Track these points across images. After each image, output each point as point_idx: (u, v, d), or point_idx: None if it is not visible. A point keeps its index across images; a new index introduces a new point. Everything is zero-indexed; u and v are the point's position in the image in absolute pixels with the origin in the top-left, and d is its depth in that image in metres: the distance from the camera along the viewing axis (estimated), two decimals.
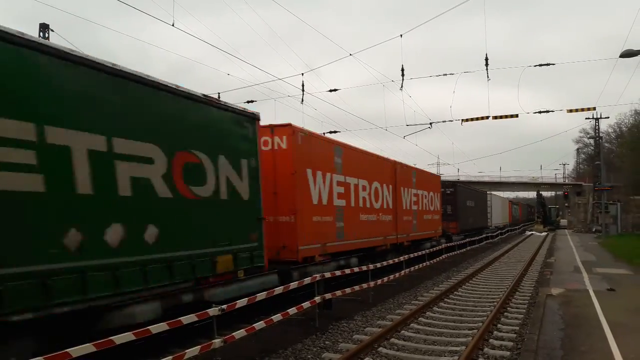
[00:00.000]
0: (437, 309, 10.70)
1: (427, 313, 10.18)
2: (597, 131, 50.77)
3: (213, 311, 6.36)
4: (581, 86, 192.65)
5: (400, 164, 17.75)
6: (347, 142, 12.70)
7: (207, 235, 7.50)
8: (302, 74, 23.50)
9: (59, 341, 4.97)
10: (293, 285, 8.47)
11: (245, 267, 8.39)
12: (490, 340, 8.12)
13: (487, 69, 17.25)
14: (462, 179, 64.91)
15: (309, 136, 11.02)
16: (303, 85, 18.13)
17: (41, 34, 24.67)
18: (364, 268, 11.72)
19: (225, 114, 8.15)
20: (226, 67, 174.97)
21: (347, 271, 10.91)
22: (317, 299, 9.10)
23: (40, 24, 24.80)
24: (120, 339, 5.02)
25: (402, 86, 17.37)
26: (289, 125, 10.33)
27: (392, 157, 17.19)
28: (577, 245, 30.19)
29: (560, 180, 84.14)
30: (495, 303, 10.81)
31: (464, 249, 23.76)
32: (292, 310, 8.13)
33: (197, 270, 7.25)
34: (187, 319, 6.00)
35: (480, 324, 8.95)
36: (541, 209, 59.94)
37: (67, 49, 5.60)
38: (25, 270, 4.89)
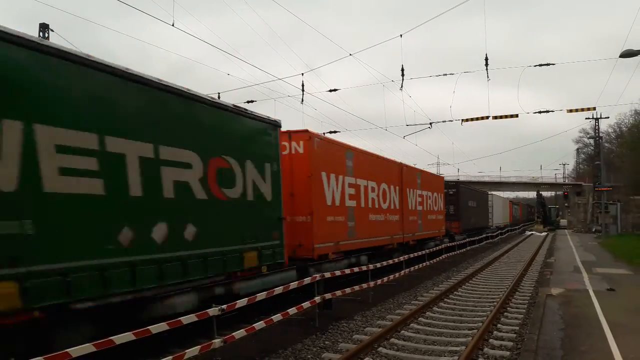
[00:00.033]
0: (437, 309, 10.70)
1: (427, 313, 10.18)
2: (597, 131, 50.79)
3: (213, 311, 6.37)
4: (581, 86, 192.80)
5: (406, 165, 18.28)
6: (347, 142, 12.78)
7: (236, 233, 8.17)
8: (302, 74, 23.53)
9: (111, 328, 5.50)
10: (293, 285, 8.51)
11: (268, 263, 9.05)
12: (490, 340, 8.12)
13: (487, 69, 17.21)
14: (462, 179, 64.87)
15: (324, 141, 11.72)
16: (303, 85, 18.13)
17: (41, 34, 24.65)
18: (364, 268, 11.73)
19: (252, 122, 8.85)
20: (226, 67, 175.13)
21: (347, 271, 10.92)
22: (317, 299, 9.11)
23: (40, 24, 24.73)
24: (120, 339, 5.04)
25: (402, 86, 17.36)
26: (306, 131, 11.00)
27: (392, 157, 17.27)
28: (577, 245, 30.18)
29: (560, 180, 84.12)
30: (495, 303, 10.81)
31: (464, 249, 23.74)
32: (292, 310, 8.14)
33: (228, 265, 7.91)
34: (187, 319, 6.01)
35: (480, 324, 8.95)
36: (541, 209, 59.95)
37: (124, 68, 6.24)
38: (87, 263, 5.51)
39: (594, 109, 32.41)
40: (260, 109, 11.41)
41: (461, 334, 8.44)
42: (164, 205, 6.65)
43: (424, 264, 16.26)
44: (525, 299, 11.77)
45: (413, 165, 20.17)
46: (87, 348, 4.70)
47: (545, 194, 75.97)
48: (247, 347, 7.48)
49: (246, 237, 8.38)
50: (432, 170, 53.45)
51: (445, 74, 19.50)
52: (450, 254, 20.33)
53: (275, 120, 9.53)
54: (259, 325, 7.30)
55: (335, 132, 25.14)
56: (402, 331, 8.65)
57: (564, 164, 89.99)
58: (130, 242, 6.04)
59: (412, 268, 14.86)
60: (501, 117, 20.78)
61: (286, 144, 10.74)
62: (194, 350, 5.88)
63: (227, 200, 7.94)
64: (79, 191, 5.46)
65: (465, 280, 14.59)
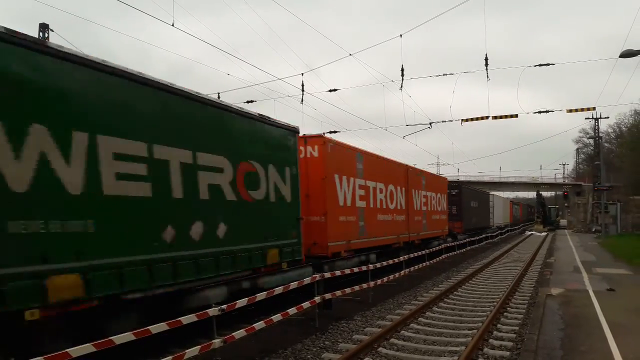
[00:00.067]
0: (436, 309, 10.72)
1: (427, 313, 10.20)
2: (596, 131, 50.86)
3: (213, 311, 6.39)
4: (581, 86, 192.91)
5: (412, 167, 19.01)
6: (347, 142, 13.04)
7: (260, 232, 8.88)
8: (302, 74, 23.46)
9: (154, 317, 6.04)
10: (293, 285, 8.57)
11: (287, 260, 9.75)
12: (490, 340, 8.14)
13: (487, 69, 17.22)
14: (462, 179, 64.91)
15: (337, 145, 12.36)
16: (303, 85, 18.16)
17: (41, 34, 24.67)
18: (364, 268, 11.78)
19: (274, 129, 9.57)
20: (226, 67, 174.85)
21: (347, 271, 10.97)
22: (317, 299, 9.14)
23: (40, 24, 24.79)
24: (120, 339, 5.05)
25: (402, 86, 17.39)
26: (321, 136, 11.83)
27: (391, 157, 17.35)
28: (577, 245, 30.22)
29: (560, 180, 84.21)
30: (495, 303, 10.83)
31: (464, 249, 23.75)
32: (292, 310, 8.19)
33: (253, 262, 8.62)
34: (187, 319, 6.02)
35: (480, 324, 8.97)
36: (541, 209, 59.99)
37: (168, 82, 6.97)
38: (137, 258, 6.16)
39: (594, 109, 32.47)
40: (260, 109, 11.59)
41: (461, 334, 8.47)
42: (200, 206, 7.35)
43: (424, 264, 16.27)
44: (525, 299, 11.80)
45: (414, 165, 20.35)
46: (87, 348, 4.73)
47: (545, 194, 76.09)
48: (247, 347, 7.51)
49: (269, 235, 9.09)
50: (432, 170, 53.58)
51: (445, 74, 19.55)
52: (450, 254, 20.37)
53: (294, 127, 10.28)
54: (259, 325, 7.34)
55: (335, 132, 25.13)
56: (402, 331, 8.68)
57: (564, 164, 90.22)
58: (173, 240, 6.73)
59: (412, 268, 14.92)
60: (501, 117, 20.81)
61: (302, 148, 11.26)
62: (194, 350, 5.92)
63: (252, 202, 8.67)
64: (131, 194, 6.14)
65: (465, 281, 14.62)
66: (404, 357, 7.35)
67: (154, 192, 6.43)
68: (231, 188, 8.06)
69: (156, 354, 6.46)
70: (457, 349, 7.46)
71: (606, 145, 57.84)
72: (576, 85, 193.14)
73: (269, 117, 9.44)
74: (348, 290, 10.59)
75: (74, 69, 5.52)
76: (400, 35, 16.65)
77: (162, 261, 6.50)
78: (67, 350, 4.55)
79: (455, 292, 12.80)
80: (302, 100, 18.56)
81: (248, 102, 20.18)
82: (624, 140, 52.88)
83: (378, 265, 12.79)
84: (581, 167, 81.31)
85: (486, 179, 77.33)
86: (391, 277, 13.16)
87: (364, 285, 11.30)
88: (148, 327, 5.49)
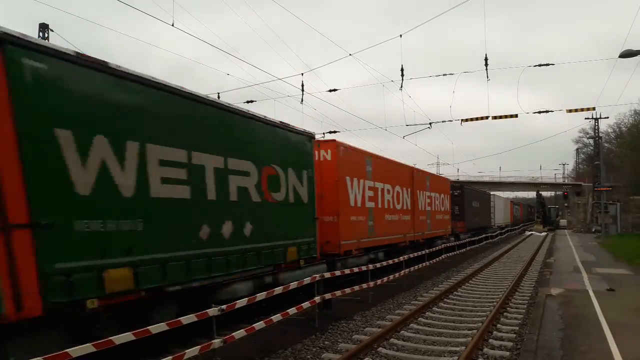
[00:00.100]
0: (436, 309, 10.75)
1: (427, 313, 10.23)
2: (596, 131, 50.95)
3: (213, 311, 6.40)
4: (581, 86, 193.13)
5: (417, 169, 19.80)
6: (347, 142, 13.45)
7: (281, 230, 9.56)
8: (302, 74, 23.48)
9: (191, 308, 6.59)
10: (293, 285, 8.59)
11: (304, 257, 10.52)
12: (490, 340, 8.19)
13: (486, 69, 17.30)
14: (461, 179, 65.05)
15: (348, 149, 13.13)
16: (303, 85, 18.23)
17: (41, 34, 24.68)
18: (364, 268, 11.83)
19: (293, 135, 10.33)
20: (226, 66, 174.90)
21: (347, 271, 10.99)
22: (317, 299, 9.17)
23: (40, 24, 24.86)
24: (120, 339, 5.07)
25: (401, 86, 17.45)
26: (334, 140, 12.58)
27: (391, 157, 17.43)
28: (577, 245, 30.31)
29: (560, 180, 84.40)
30: (495, 303, 10.87)
31: (464, 249, 23.76)
32: (291, 311, 8.25)
33: (275, 258, 9.35)
34: (187, 319, 6.04)
35: (480, 324, 9.00)
36: (541, 209, 60.03)
37: (204, 95, 7.79)
38: (178, 254, 6.82)
39: (594, 109, 32.51)
40: (259, 109, 11.75)
41: (461, 334, 8.50)
42: (230, 206, 8.05)
43: (424, 264, 16.28)
44: (525, 299, 11.84)
45: (414, 165, 20.45)
46: (87, 348, 4.74)
47: (545, 194, 76.29)
48: (246, 347, 7.55)
49: (288, 234, 9.79)
50: (432, 170, 53.73)
51: (445, 74, 19.62)
52: (450, 254, 20.38)
53: (310, 133, 11.07)
54: (259, 325, 7.39)
55: (334, 132, 25.26)
56: (402, 331, 8.72)
57: (564, 164, 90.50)
58: (207, 238, 7.42)
59: (412, 268, 14.94)
60: (501, 117, 20.88)
61: (316, 152, 11.81)
62: (193, 350, 5.95)
63: (274, 203, 9.38)
64: (173, 196, 6.83)
65: (465, 281, 14.68)
66: (403, 357, 7.39)
67: (192, 195, 7.16)
68: (256, 190, 8.80)
69: (156, 354, 6.46)
70: (457, 349, 7.50)
71: (606, 145, 58.01)
72: (576, 85, 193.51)
73: (288, 124, 10.18)
74: (348, 290, 10.63)
75: (129, 86, 6.23)
76: (400, 36, 16.76)
77: (198, 257, 7.20)
78: (67, 350, 4.59)
79: (455, 292, 12.85)
80: (302, 100, 18.65)
81: (248, 102, 20.25)
82: (624, 140, 52.99)
83: (378, 265, 12.95)
84: (581, 167, 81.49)
85: (486, 179, 77.50)
86: (391, 277, 13.21)
87: (364, 285, 11.37)
88: (148, 327, 5.55)
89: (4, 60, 4.79)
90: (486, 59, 17.13)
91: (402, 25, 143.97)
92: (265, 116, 9.35)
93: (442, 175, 32.28)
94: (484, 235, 32.38)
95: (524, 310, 10.54)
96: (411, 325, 9.25)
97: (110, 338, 5.04)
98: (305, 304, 8.76)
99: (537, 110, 20.96)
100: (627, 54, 16.52)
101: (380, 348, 7.67)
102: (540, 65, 18.15)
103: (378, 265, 13.09)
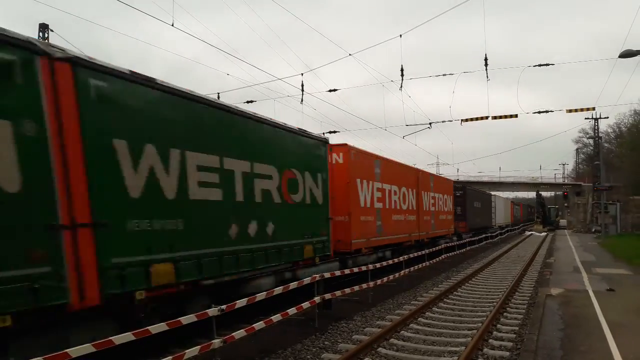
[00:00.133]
0: (436, 309, 10.79)
1: (427, 313, 10.27)
2: (596, 131, 51.04)
3: (212, 311, 6.41)
4: (581, 86, 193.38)
5: (422, 171, 20.59)
6: (347, 142, 13.68)
7: (299, 230, 10.35)
8: (302, 74, 23.51)
9: (221, 301, 7.19)
10: (293, 285, 8.62)
11: (319, 255, 11.28)
12: (490, 340, 8.23)
13: (486, 69, 17.37)
14: (461, 179, 65.23)
15: (358, 152, 13.90)
16: (302, 85, 18.26)
17: (41, 34, 24.69)
18: (364, 268, 11.88)
19: (309, 140, 11.14)
20: (225, 66, 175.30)
21: (347, 271, 11.02)
22: (317, 299, 9.19)
23: (40, 24, 24.90)
24: (119, 339, 5.08)
25: (401, 86, 17.52)
26: (345, 144, 13.26)
27: (391, 157, 17.42)
28: (577, 245, 30.39)
29: (560, 181, 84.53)
30: (495, 303, 10.91)
31: (464, 249, 23.78)
32: (291, 311, 8.31)
33: (294, 255, 10.13)
34: (187, 319, 6.05)
35: (480, 324, 9.02)
36: (540, 209, 60.05)
37: (234, 106, 8.61)
38: (211, 251, 7.55)
39: (594, 109, 32.51)
40: (259, 109, 11.89)
41: (461, 334, 8.53)
42: (255, 207, 8.80)
43: (424, 264, 16.29)
44: (525, 299, 11.89)
45: (413, 165, 20.57)
46: (87, 348, 4.75)
47: (544, 194, 76.47)
48: (246, 348, 7.58)
49: (305, 233, 10.58)
50: (432, 170, 53.86)
51: (444, 74, 19.65)
52: (450, 254, 20.40)
53: (325, 138, 11.97)
54: (259, 325, 7.42)
55: (334, 132, 25.32)
56: (402, 331, 8.76)
57: (564, 164, 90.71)
58: (236, 236, 8.18)
59: (411, 268, 14.97)
60: (501, 117, 20.91)
61: (328, 155, 12.45)
62: (193, 351, 5.96)
63: (293, 204, 10.13)
64: (208, 198, 7.55)
65: (464, 281, 14.74)
66: (403, 358, 7.43)
67: (224, 196, 7.92)
68: (277, 192, 9.56)
69: (156, 354, 6.47)
70: (457, 349, 7.54)
71: (606, 145, 58.15)
72: (576, 85, 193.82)
73: (305, 130, 11.03)
74: (348, 290, 10.64)
75: (172, 99, 6.96)
76: (400, 36, 16.85)
77: (228, 254, 7.98)
78: (67, 350, 4.61)
79: (455, 292, 12.91)
80: (301, 100, 18.73)
81: (248, 102, 20.22)
82: (624, 140, 53.12)
83: (378, 265, 13.07)
84: (581, 167, 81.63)
85: (486, 179, 77.50)
86: (391, 277, 13.23)
87: (364, 286, 11.40)
88: (147, 328, 5.58)
89: (74, 81, 5.52)
90: (486, 59, 17.19)
91: (402, 25, 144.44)
92: (285, 123, 10.16)
93: (441, 175, 32.42)
94: (483, 236, 32.57)
95: (523, 311, 10.59)
96: (411, 325, 9.31)
97: (110, 338, 5.11)
98: (305, 304, 8.84)
99: (537, 110, 21.11)
100: (627, 54, 16.58)
101: (380, 348, 7.73)
102: (540, 65, 18.25)
103: (384, 263, 13.70)
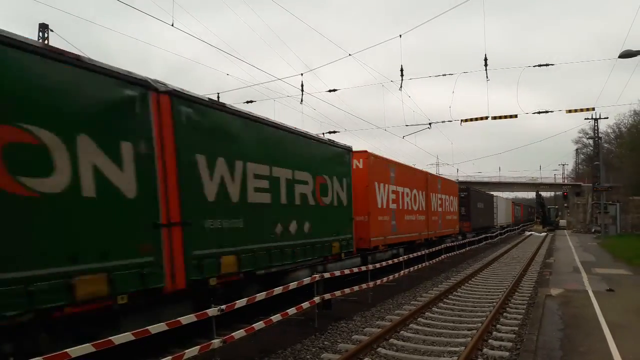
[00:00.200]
0: (436, 309, 10.86)
1: (426, 313, 10.33)
2: (596, 132, 51.32)
3: (212, 311, 6.42)
4: (580, 86, 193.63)
5: (430, 174, 22.26)
6: (346, 142, 13.70)
7: (328, 228, 11.79)
8: (302, 74, 23.46)
9: (267, 288, 8.30)
10: (293, 285, 8.65)
11: (344, 251, 12.80)
12: (490, 340, 8.31)
13: (486, 69, 17.56)
14: (461, 179, 65.33)
15: (376, 158, 15.49)
16: (302, 86, 18.41)
17: (41, 34, 24.69)
18: (363, 268, 11.92)
19: (336, 149, 12.77)
20: (225, 67, 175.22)
21: (347, 271, 11.04)
22: (317, 299, 9.22)
23: (40, 24, 25.07)
24: (119, 339, 5.09)
25: (401, 86, 17.66)
26: (365, 151, 14.72)
27: (391, 157, 17.52)
28: (577, 245, 30.60)
29: (560, 181, 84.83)
30: (495, 303, 10.98)
31: (464, 249, 23.82)
32: (291, 311, 8.41)
33: (324, 251, 11.61)
34: (186, 319, 6.06)
35: (480, 324, 9.08)
36: (540, 210, 60.15)
37: (279, 122, 9.94)
38: (262, 246, 8.93)
39: (593, 109, 32.58)
40: (259, 109, 12.28)
41: (460, 334, 8.58)
42: (295, 209, 10.22)
43: (424, 264, 16.33)
44: (525, 300, 11.99)
45: (413, 166, 20.85)
46: (87, 348, 4.78)
47: (544, 194, 76.93)
48: (246, 348, 7.63)
49: (333, 231, 12.04)
50: (432, 170, 54.05)
51: (444, 74, 19.79)
52: (450, 254, 20.46)
53: (349, 147, 13.47)
54: (259, 325, 7.49)
55: (334, 132, 25.57)
56: (402, 332, 8.84)
57: (563, 165, 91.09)
58: (280, 233, 9.60)
59: (411, 268, 15.05)
60: (500, 117, 21.05)
61: None
62: (193, 351, 5.99)
63: (324, 206, 11.61)
64: (261, 201, 9.00)
65: (464, 281, 14.88)
66: (403, 358, 7.51)
67: (272, 200, 9.36)
68: (312, 196, 11.02)
69: (156, 354, 6.47)
70: (457, 349, 7.60)
71: (605, 145, 58.60)
72: (576, 85, 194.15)
73: (333, 140, 12.89)
74: (347, 290, 10.68)
75: (236, 119, 8.44)
76: (400, 36, 17.04)
77: (275, 248, 9.37)
78: (67, 350, 4.65)
79: (454, 293, 13.01)
80: (301, 100, 18.88)
81: (248, 102, 20.33)
82: (624, 140, 53.43)
83: (377, 265, 13.05)
84: (581, 167, 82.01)
85: (486, 179, 77.65)
86: (390, 277, 13.26)
87: (364, 286, 11.49)
88: (147, 328, 5.59)
89: (171, 109, 6.97)
90: (486, 59, 17.33)
91: (402, 25, 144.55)
92: (317, 134, 11.77)
93: (441, 175, 32.56)
94: (483, 236, 32.69)
95: (523, 311, 10.70)
96: (411, 325, 9.41)
97: (110, 338, 5.15)
98: (305, 304, 8.92)
99: (537, 111, 21.31)
100: (627, 54, 16.70)
101: (380, 348, 7.81)
102: (540, 65, 18.42)
103: (406, 257, 15.34)
